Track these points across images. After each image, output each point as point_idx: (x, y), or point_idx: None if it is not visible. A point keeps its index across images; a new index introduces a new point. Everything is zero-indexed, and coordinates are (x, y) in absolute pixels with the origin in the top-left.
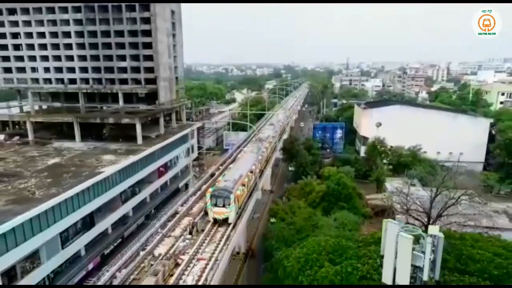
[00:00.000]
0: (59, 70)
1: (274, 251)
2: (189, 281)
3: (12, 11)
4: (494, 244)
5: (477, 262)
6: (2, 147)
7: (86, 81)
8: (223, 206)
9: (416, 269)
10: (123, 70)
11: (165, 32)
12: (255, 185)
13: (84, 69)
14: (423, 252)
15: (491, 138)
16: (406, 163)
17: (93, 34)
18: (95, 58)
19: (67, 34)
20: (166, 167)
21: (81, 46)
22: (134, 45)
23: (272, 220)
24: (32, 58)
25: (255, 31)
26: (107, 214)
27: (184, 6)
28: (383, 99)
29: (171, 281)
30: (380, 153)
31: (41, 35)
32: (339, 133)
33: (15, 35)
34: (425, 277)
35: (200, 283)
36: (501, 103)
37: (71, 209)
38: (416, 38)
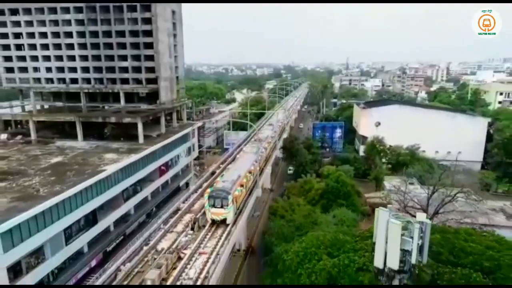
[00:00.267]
0: (61, 70)
1: (273, 247)
2: (192, 273)
3: (14, 12)
4: (488, 239)
5: (469, 254)
6: (5, 146)
7: (87, 80)
8: (221, 207)
9: (405, 253)
10: (125, 70)
11: (166, 32)
12: (255, 184)
13: (85, 69)
14: (412, 238)
15: (489, 137)
16: (405, 162)
17: (94, 34)
18: (97, 58)
19: (69, 34)
20: (167, 166)
21: (82, 46)
22: (135, 45)
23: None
24: (34, 58)
25: (255, 31)
26: (109, 212)
27: (184, 6)
28: (382, 99)
29: (174, 274)
30: (379, 152)
31: (43, 35)
32: (338, 133)
33: (17, 35)
34: (413, 260)
35: (202, 275)
36: (500, 102)
37: (74, 206)
38: (416, 38)
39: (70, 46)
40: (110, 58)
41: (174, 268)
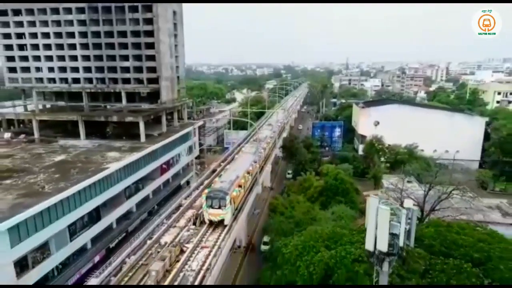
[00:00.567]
0: (63, 69)
1: (273, 242)
2: (194, 266)
3: (17, 12)
4: (479, 232)
5: (461, 246)
6: (9, 145)
7: (89, 80)
8: (219, 207)
9: (394, 237)
10: (126, 69)
11: (167, 32)
12: (254, 183)
13: (87, 69)
14: (400, 223)
15: (487, 137)
16: (403, 160)
17: (96, 34)
18: (99, 58)
19: (71, 35)
20: (168, 164)
21: (84, 46)
22: (136, 45)
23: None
24: (37, 58)
25: (255, 31)
26: (112, 209)
27: (184, 6)
28: (382, 99)
29: (178, 266)
30: (377, 151)
31: (46, 35)
32: (337, 132)
33: (20, 35)
34: (401, 243)
35: (204, 267)
36: (498, 102)
37: (78, 203)
38: (416, 38)
39: (72, 46)
40: (112, 58)
41: (177, 261)
